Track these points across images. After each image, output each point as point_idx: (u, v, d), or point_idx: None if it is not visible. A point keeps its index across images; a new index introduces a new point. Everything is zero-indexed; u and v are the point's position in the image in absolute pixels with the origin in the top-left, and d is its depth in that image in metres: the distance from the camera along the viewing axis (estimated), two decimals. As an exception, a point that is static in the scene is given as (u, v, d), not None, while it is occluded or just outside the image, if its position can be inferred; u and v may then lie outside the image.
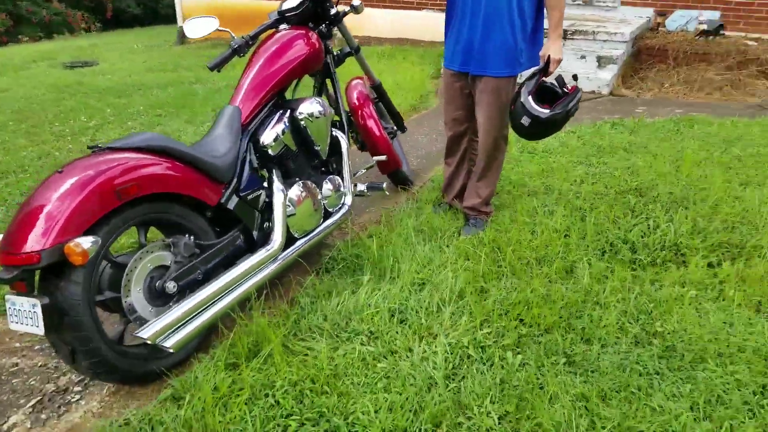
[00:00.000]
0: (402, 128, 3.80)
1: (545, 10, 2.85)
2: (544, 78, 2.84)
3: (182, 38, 10.74)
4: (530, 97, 2.77)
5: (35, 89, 6.37)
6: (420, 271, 2.64)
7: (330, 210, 2.86)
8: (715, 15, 6.81)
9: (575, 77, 2.89)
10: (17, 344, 2.33)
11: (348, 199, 2.96)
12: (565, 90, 2.83)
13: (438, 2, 8.21)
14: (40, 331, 1.76)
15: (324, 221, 2.80)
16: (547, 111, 2.74)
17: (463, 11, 2.87)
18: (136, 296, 2.01)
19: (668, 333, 2.19)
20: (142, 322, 2.01)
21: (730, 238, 2.77)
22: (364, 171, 3.36)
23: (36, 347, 2.32)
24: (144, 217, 2.04)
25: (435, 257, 2.76)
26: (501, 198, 3.40)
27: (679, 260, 2.68)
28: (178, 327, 1.98)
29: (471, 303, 2.39)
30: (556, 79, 2.86)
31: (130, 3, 17.57)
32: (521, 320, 2.31)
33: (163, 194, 2.07)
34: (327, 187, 2.84)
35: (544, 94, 2.82)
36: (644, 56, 6.62)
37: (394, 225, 3.09)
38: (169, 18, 18.45)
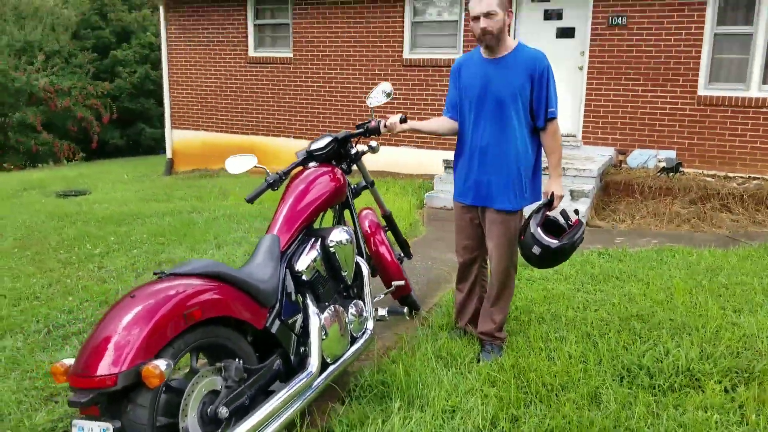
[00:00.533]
0: (409, 255, 4.00)
1: (543, 152, 3.20)
2: (548, 212, 3.12)
3: (170, 169, 11.12)
4: (539, 229, 3.03)
5: (33, 217, 6.46)
6: (448, 398, 2.70)
7: (354, 335, 2.95)
8: (671, 154, 7.51)
9: (577, 212, 3.18)
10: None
11: (370, 324, 3.06)
12: (570, 223, 3.10)
13: (414, 140, 8.84)
14: (109, 457, 1.75)
15: (350, 347, 2.88)
16: (556, 242, 2.98)
17: (472, 151, 3.18)
18: (191, 421, 2.02)
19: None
20: (194, 449, 2.01)
21: (737, 363, 2.93)
22: (382, 296, 3.49)
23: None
24: (200, 341, 2.10)
25: (460, 384, 2.83)
26: (510, 324, 3.54)
27: (695, 384, 2.81)
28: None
29: (506, 430, 2.44)
30: (561, 213, 3.14)
31: (114, 135, 18.21)
32: (557, 445, 2.37)
33: (216, 318, 2.16)
34: (351, 311, 2.94)
35: (550, 227, 3.08)
36: (612, 190, 7.16)
37: (414, 350, 3.17)
38: (151, 149, 19.16)
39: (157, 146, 19.40)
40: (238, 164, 3.01)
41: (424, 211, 7.00)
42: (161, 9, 10.77)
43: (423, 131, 3.43)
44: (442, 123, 3.30)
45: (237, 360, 2.24)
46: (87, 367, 1.80)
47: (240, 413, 2.17)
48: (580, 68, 7.96)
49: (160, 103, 18.83)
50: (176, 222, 6.08)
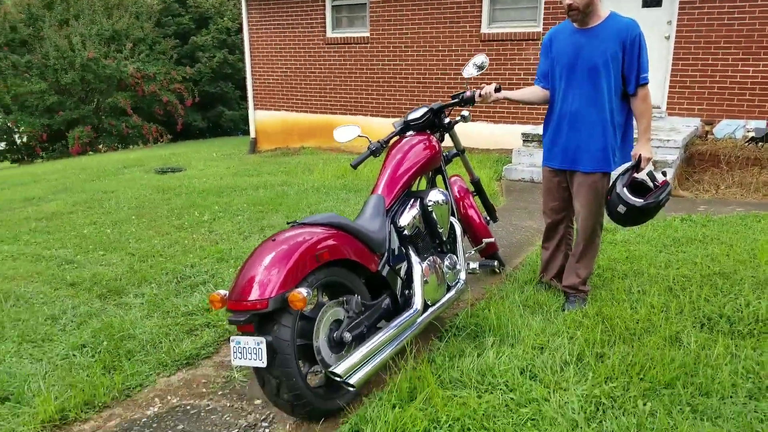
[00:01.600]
0: (494, 218, 4.26)
1: (633, 117, 3.36)
2: (635, 174, 3.29)
3: (254, 148, 11.74)
4: (625, 189, 3.21)
5: (141, 190, 7.13)
6: (536, 337, 2.98)
7: (449, 284, 3.26)
8: (761, 123, 7.34)
9: (664, 173, 3.33)
10: (203, 390, 2.72)
11: (463, 275, 3.37)
12: (656, 184, 3.27)
13: (491, 115, 8.99)
14: (263, 364, 2.15)
15: (446, 294, 3.19)
16: (641, 200, 3.17)
17: (561, 116, 3.38)
18: (322, 342, 2.40)
19: (779, 389, 2.46)
20: (324, 365, 2.39)
21: (819, 313, 3.05)
22: (473, 252, 3.78)
23: (219, 392, 2.69)
24: (326, 278, 2.47)
25: (547, 327, 3.10)
26: (593, 280, 3.75)
27: (775, 331, 2.97)
28: (359, 367, 2.35)
29: (592, 363, 2.70)
30: (648, 174, 3.31)
31: (196, 117, 19.17)
32: (641, 378, 2.61)
33: (339, 260, 2.52)
34: (447, 263, 3.26)
35: (637, 188, 3.25)
36: (696, 161, 7.10)
37: (504, 299, 3.46)
38: (230, 130, 20.09)
39: (235, 128, 20.34)
40: (344, 133, 3.36)
41: (502, 183, 7.20)
42: (243, -6, 11.31)
43: (516, 100, 3.57)
44: (534, 91, 3.49)
45: (356, 296, 2.60)
46: (243, 294, 2.19)
47: (358, 340, 2.54)
48: (667, 38, 7.86)
49: (238, 86, 19.73)
50: (270, 194, 6.57)
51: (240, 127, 20.16)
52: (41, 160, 16.04)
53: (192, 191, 6.88)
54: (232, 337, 2.24)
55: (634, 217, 3.22)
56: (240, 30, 18.20)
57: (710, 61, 7.62)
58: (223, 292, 2.30)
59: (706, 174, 6.85)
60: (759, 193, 6.33)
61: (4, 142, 17.43)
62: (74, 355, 3.00)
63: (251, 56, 11.58)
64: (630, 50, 3.14)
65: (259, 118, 11.77)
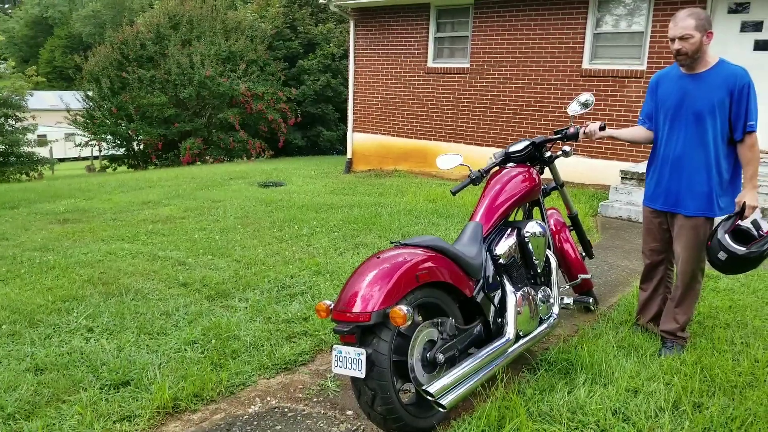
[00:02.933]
0: (591, 254, 4.22)
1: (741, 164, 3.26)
2: (739, 222, 3.19)
3: (349, 168, 12.13)
4: (727, 236, 3.12)
5: (246, 201, 7.58)
6: (630, 380, 2.93)
7: (542, 317, 3.27)
8: None
9: (772, 222, 3.21)
10: (299, 395, 2.89)
11: (556, 310, 3.37)
12: (761, 233, 3.15)
13: (589, 150, 8.83)
14: (362, 374, 2.28)
15: (538, 327, 3.21)
16: (743, 248, 3.07)
17: (665, 159, 3.34)
18: (416, 360, 2.51)
19: None
20: (416, 383, 2.48)
21: None
22: (567, 287, 3.77)
23: (314, 399, 2.86)
24: (423, 299, 2.58)
25: (641, 370, 3.04)
26: (693, 328, 3.63)
27: None
28: (451, 389, 2.43)
29: (689, 412, 2.63)
30: (752, 223, 3.20)
31: (296, 136, 20.06)
32: (741, 433, 2.51)
33: (437, 282, 2.62)
34: (540, 296, 3.27)
35: (740, 236, 3.15)
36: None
37: (597, 337, 3.42)
38: (327, 150, 20.84)
39: (332, 147, 21.08)
40: (447, 161, 3.49)
41: (597, 219, 7.06)
42: (351, 23, 11.82)
43: (620, 139, 3.64)
44: (638, 131, 3.50)
45: (450, 318, 2.69)
46: (348, 306, 2.34)
47: (450, 362, 2.62)
48: (781, 80, 7.47)
49: (337, 109, 20.49)
50: (364, 213, 6.80)
51: (336, 147, 20.85)
52: (154, 167, 17.32)
53: (292, 205, 7.24)
54: (334, 346, 2.38)
55: (735, 265, 3.12)
56: (345, 56, 18.95)
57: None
58: (328, 302, 2.46)
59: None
60: None
61: (124, 148, 18.99)
62: (186, 350, 3.28)
63: (354, 81, 12.04)
64: (738, 99, 3.10)
65: (356, 139, 12.17)
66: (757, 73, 3.35)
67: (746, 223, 3.20)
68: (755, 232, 3.15)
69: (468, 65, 10.22)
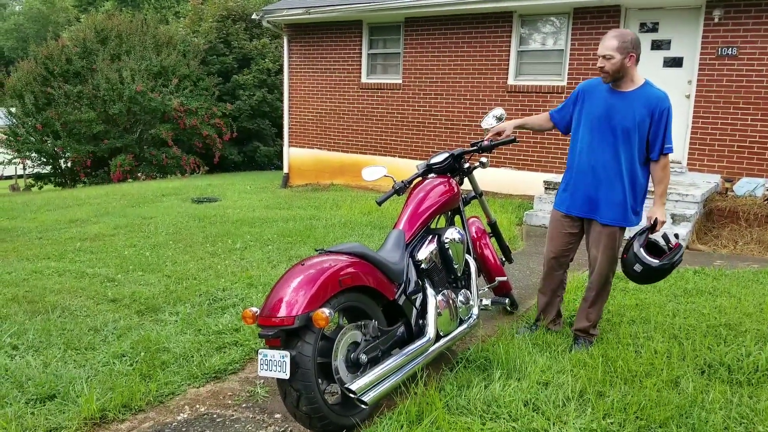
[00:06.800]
0: (510, 259, 4.47)
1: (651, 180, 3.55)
2: (650, 235, 3.48)
3: (286, 182, 12.17)
4: (642, 249, 3.42)
5: (179, 218, 7.52)
6: (542, 374, 3.16)
7: (462, 318, 3.47)
8: (782, 183, 7.45)
9: (677, 236, 3.52)
10: (229, 401, 2.96)
11: (475, 311, 3.58)
12: (671, 246, 3.46)
13: (514, 161, 9.25)
14: (286, 376, 2.39)
15: (458, 327, 3.40)
16: (657, 261, 3.37)
17: (585, 167, 3.55)
18: (340, 361, 2.64)
19: (769, 434, 2.59)
20: (341, 383, 2.61)
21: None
22: (486, 289, 3.99)
23: (243, 405, 2.93)
24: (347, 302, 2.72)
25: (553, 365, 3.28)
26: (602, 324, 3.92)
27: (772, 380, 3.09)
28: (372, 387, 2.57)
29: (593, 399, 2.87)
30: (662, 236, 3.51)
31: (232, 151, 19.87)
32: (637, 417, 2.77)
33: (360, 287, 2.77)
34: (460, 298, 3.48)
35: (651, 248, 3.45)
36: (716, 217, 7.22)
37: (513, 336, 3.65)
38: (264, 165, 20.72)
39: (269, 163, 20.97)
40: (371, 173, 3.65)
41: (522, 228, 7.40)
42: (285, 39, 11.93)
43: (527, 126, 3.97)
44: (546, 121, 3.86)
45: (373, 321, 2.84)
46: (273, 311, 2.45)
47: (373, 362, 2.76)
48: (687, 97, 8.10)
49: (274, 124, 20.44)
50: (299, 226, 6.89)
51: (273, 162, 20.77)
52: (83, 185, 16.76)
53: (226, 220, 7.24)
54: (260, 350, 2.48)
55: (649, 276, 3.42)
56: (280, 71, 18.97)
57: (729, 120, 7.81)
58: (254, 309, 2.56)
59: (725, 230, 6.96)
60: (777, 252, 6.41)
61: (50, 166, 18.28)
62: (114, 363, 3.28)
63: (290, 96, 12.13)
64: (657, 120, 3.36)
65: (292, 154, 12.24)
66: (666, 88, 3.68)
67: (657, 237, 3.51)
68: (665, 245, 3.46)
69: (401, 81, 10.51)
